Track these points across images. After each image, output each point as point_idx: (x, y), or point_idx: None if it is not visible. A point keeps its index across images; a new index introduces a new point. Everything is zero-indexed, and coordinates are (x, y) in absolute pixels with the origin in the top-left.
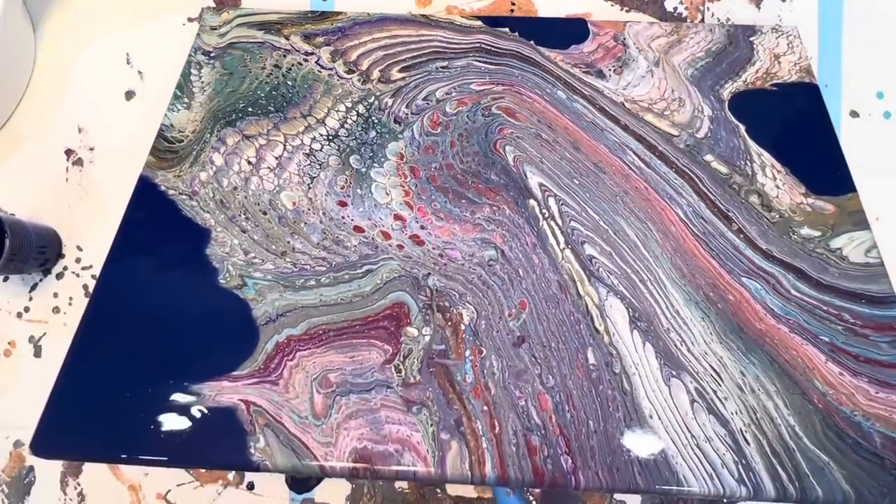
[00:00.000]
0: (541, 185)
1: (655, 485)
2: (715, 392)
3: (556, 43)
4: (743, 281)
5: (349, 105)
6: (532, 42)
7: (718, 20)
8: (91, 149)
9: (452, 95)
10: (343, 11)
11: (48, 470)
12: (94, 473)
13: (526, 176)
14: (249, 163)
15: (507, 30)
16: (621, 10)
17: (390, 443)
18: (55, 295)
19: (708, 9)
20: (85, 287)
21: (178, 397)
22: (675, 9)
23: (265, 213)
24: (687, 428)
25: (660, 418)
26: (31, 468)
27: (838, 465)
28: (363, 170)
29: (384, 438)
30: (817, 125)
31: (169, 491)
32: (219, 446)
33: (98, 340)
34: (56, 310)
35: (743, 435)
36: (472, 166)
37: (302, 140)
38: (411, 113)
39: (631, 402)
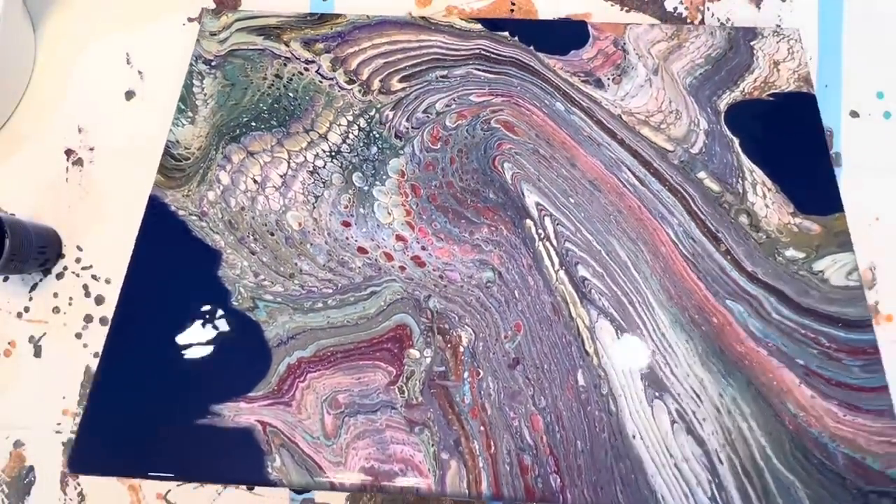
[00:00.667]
0: (537, 204)
1: (635, 503)
2: (694, 413)
3: (556, 48)
4: (727, 303)
5: (350, 119)
6: (532, 47)
7: (719, 20)
8: (91, 149)
9: (452, 108)
10: (343, 14)
11: (48, 470)
12: None
13: (523, 194)
14: (255, 181)
15: (506, 34)
16: (621, 10)
17: (395, 462)
18: (55, 295)
19: (708, 9)
20: (85, 287)
21: (200, 418)
22: (675, 9)
23: (272, 234)
24: (667, 448)
25: (642, 438)
26: (31, 468)
27: (803, 485)
28: (365, 188)
29: (389, 458)
30: (811, 140)
31: (169, 491)
32: (239, 464)
33: (121, 363)
34: (56, 310)
35: (718, 455)
36: (471, 184)
37: (305, 157)
38: (412, 127)
39: (616, 423)
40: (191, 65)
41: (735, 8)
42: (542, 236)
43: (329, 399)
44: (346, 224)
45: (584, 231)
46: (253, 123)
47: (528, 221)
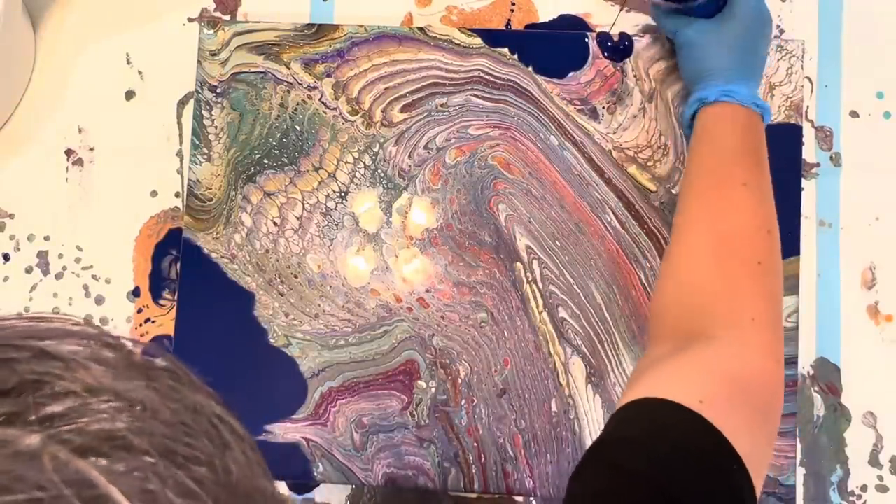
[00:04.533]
0: (527, 247)
1: None
2: None
3: (555, 68)
4: None
5: (356, 155)
6: (531, 68)
7: None
8: (91, 149)
9: (452, 143)
10: (340, 25)
11: None
12: None
13: (515, 237)
14: (275, 223)
15: (506, 50)
16: (621, 9)
17: (409, 469)
18: (55, 295)
19: None
20: (85, 287)
21: (257, 435)
22: None
23: (296, 277)
24: None
25: None
26: None
27: None
28: (373, 231)
29: (405, 466)
30: (786, 179)
31: None
32: (292, 470)
33: None
34: (56, 310)
35: None
36: (468, 227)
37: (317, 197)
38: (414, 165)
39: (578, 441)
40: (196, 92)
41: None
42: (529, 279)
43: (356, 421)
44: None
45: (566, 274)
46: (265, 161)
47: (518, 265)
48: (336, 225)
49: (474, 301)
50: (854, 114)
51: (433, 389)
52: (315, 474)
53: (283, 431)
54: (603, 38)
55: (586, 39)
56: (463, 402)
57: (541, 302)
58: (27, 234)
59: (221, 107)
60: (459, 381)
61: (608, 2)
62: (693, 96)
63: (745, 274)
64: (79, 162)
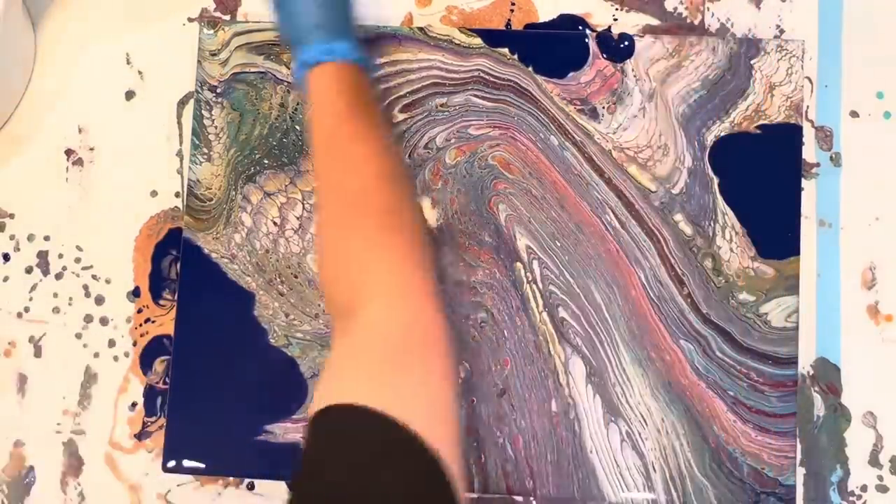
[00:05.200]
0: (527, 247)
1: (587, 499)
2: (639, 434)
3: (555, 68)
4: (680, 343)
5: None
6: (531, 68)
7: (719, 20)
8: (91, 149)
9: (452, 143)
10: None
11: (48, 470)
12: (95, 473)
13: (515, 237)
14: (275, 223)
15: (506, 51)
16: (621, 9)
17: None
18: (55, 295)
19: (708, 9)
20: (85, 287)
21: (258, 436)
22: (675, 9)
23: (296, 277)
24: (615, 460)
25: (597, 453)
26: (32, 468)
27: (713, 487)
28: None
29: None
30: (785, 179)
31: (169, 491)
32: (291, 469)
33: (186, 393)
34: (56, 310)
35: (653, 465)
36: (469, 227)
37: None
38: (414, 164)
39: (578, 441)
40: (196, 91)
41: (735, 8)
42: (529, 279)
43: None
44: None
45: (566, 274)
46: (266, 161)
47: (518, 264)
48: None
49: (474, 301)
50: (854, 114)
51: None
52: None
53: (283, 432)
54: (603, 39)
55: (586, 40)
56: (463, 401)
57: (541, 302)
58: (27, 234)
59: (221, 107)
60: (459, 380)
61: (608, 1)
62: (296, 61)
63: (375, 226)
64: (79, 162)
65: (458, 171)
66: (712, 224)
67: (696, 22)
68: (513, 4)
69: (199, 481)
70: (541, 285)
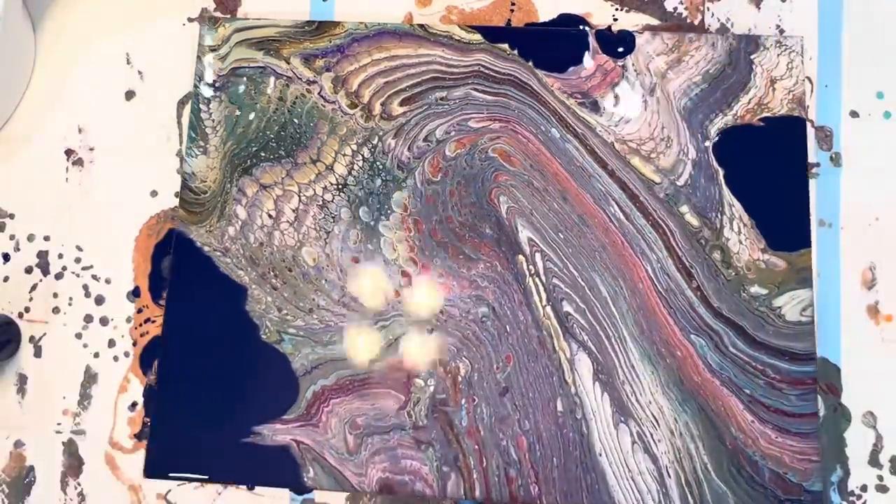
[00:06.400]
0: (530, 239)
1: None
2: (651, 435)
3: (556, 61)
4: (691, 337)
5: (354, 148)
6: (531, 63)
7: (718, 20)
8: (91, 149)
9: (452, 135)
10: (340, 22)
11: (48, 470)
12: (95, 473)
13: (517, 230)
14: (270, 216)
15: (506, 46)
16: (620, 9)
17: (406, 474)
18: (55, 295)
19: (708, 9)
20: (85, 287)
21: (245, 438)
22: (675, 9)
23: (290, 270)
24: (626, 463)
25: (607, 456)
26: (32, 468)
27: (733, 494)
28: (372, 223)
29: (401, 470)
30: (792, 171)
31: (169, 491)
32: (281, 475)
33: (172, 393)
34: (56, 310)
35: (667, 470)
36: (469, 219)
37: (314, 190)
38: (413, 157)
39: (586, 443)
40: (195, 86)
41: (735, 8)
42: (532, 272)
43: (349, 422)
44: (356, 260)
45: (570, 267)
46: (262, 154)
47: (520, 257)
48: (333, 218)
49: (475, 295)
50: (854, 114)
51: (431, 388)
52: (305, 479)
53: (272, 433)
54: (602, 35)
55: (587, 37)
56: (463, 401)
57: (544, 296)
58: (27, 234)
59: (220, 101)
60: (459, 378)
61: (608, 1)
62: None
63: None
64: (79, 162)
65: (458, 163)
66: (719, 216)
67: (696, 22)
68: (513, 4)
69: (200, 481)
70: (544, 278)
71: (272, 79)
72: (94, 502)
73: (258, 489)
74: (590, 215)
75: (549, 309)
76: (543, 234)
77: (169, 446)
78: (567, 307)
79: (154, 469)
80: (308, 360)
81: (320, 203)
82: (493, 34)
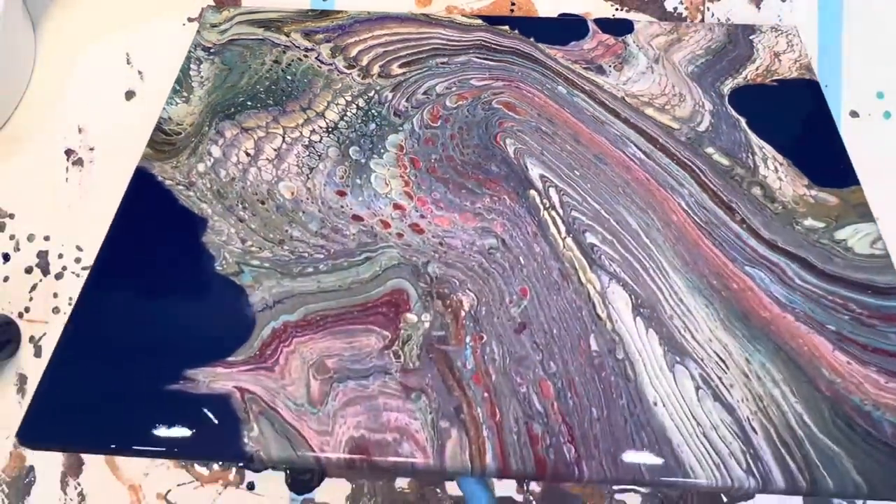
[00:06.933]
0: (542, 176)
1: (661, 476)
2: (720, 379)
3: (557, 40)
4: (746, 269)
5: (349, 99)
6: (532, 39)
7: (718, 20)
8: (91, 149)
9: (452, 90)
10: (344, 10)
11: (48, 470)
12: (95, 473)
13: (527, 168)
14: (248, 154)
15: (507, 27)
16: (620, 9)
17: (388, 431)
18: (55, 295)
19: (708, 9)
20: None
21: (173, 384)
22: (675, 9)
23: (263, 203)
24: (693, 415)
25: (664, 406)
26: (32, 468)
27: (848, 455)
28: (362, 161)
29: (382, 427)
30: (819, 120)
31: (169, 491)
32: (212, 436)
33: (90, 328)
34: (56, 310)
35: (750, 423)
36: (472, 158)
37: (301, 132)
38: (411, 107)
39: (635, 389)
40: (189, 52)
41: (735, 8)
42: (546, 206)
43: (317, 364)
44: (342, 193)
45: (591, 201)
46: (249, 103)
47: (532, 192)
48: (319, 156)
49: (480, 227)
50: (854, 114)
51: (426, 324)
52: (245, 441)
53: (209, 378)
54: (602, 22)
55: (586, 23)
56: (468, 339)
57: (563, 228)
58: (27, 234)
59: (212, 62)
60: (462, 313)
61: (608, 1)
62: None
63: None
64: (79, 162)
65: (459, 112)
66: (750, 156)
67: (696, 21)
68: (513, 4)
69: (199, 481)
70: (561, 211)
71: (269, 46)
72: (94, 502)
73: (258, 489)
74: (607, 155)
75: (570, 241)
76: (557, 171)
77: (64, 401)
78: (591, 238)
79: (30, 430)
80: (271, 294)
81: (306, 143)
82: (493, 22)
